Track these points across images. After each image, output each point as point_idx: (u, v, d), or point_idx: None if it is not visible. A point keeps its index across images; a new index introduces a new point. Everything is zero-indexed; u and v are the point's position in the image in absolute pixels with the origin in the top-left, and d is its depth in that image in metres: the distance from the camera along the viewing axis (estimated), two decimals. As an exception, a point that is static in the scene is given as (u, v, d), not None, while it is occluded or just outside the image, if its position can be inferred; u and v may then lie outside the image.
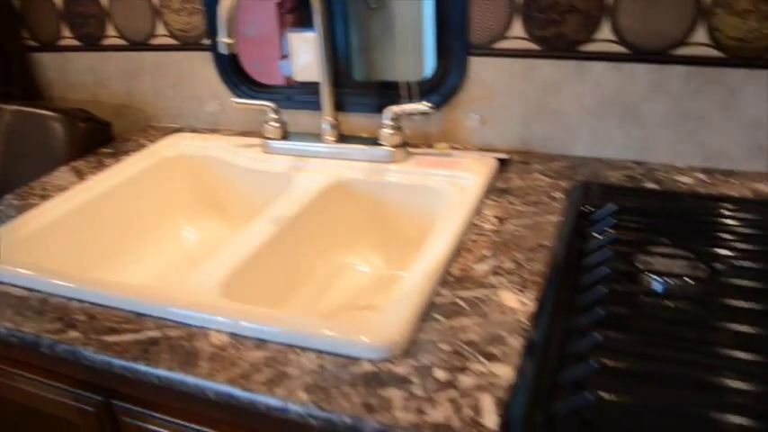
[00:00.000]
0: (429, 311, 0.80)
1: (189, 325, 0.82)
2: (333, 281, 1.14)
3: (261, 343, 0.77)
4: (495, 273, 0.87)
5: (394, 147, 1.18)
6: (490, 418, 0.64)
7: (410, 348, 0.74)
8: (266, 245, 0.97)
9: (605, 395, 0.61)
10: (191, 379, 0.74)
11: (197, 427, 0.82)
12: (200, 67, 1.44)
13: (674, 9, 1.06)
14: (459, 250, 0.93)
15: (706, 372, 0.65)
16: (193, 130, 1.47)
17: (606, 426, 0.62)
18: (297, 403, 0.69)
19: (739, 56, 1.05)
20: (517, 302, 0.81)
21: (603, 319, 0.72)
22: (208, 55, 1.43)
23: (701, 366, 0.66)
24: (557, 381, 0.67)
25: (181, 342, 0.79)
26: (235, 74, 1.40)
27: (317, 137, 1.25)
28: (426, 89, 1.25)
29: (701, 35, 1.06)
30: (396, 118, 1.16)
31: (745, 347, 0.67)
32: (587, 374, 0.65)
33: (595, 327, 0.71)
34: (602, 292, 0.76)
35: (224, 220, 1.34)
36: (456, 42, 1.19)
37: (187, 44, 1.43)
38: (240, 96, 1.37)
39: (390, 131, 1.17)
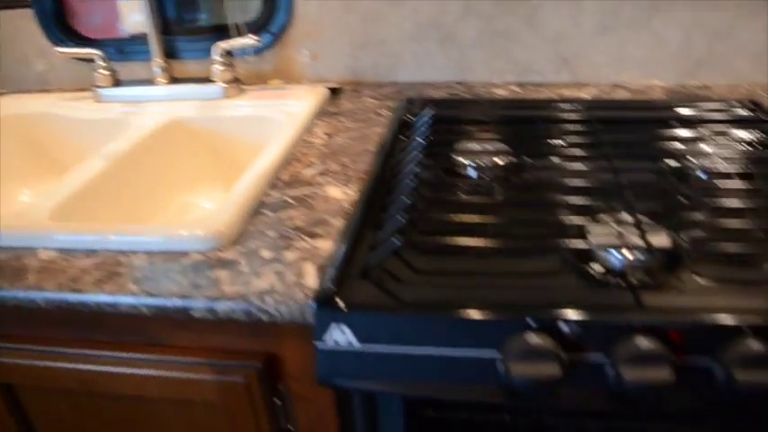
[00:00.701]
0: (258, 209, 0.84)
1: (16, 248, 0.80)
2: (176, 220, 1.14)
3: (91, 252, 0.78)
4: (322, 174, 0.92)
5: (226, 83, 1.20)
6: (311, 279, 0.69)
7: (238, 238, 0.78)
8: (98, 178, 0.96)
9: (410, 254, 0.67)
10: (21, 293, 0.73)
11: (42, 348, 0.81)
12: (23, 25, 1.38)
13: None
14: (290, 161, 0.97)
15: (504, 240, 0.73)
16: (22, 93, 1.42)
17: (407, 277, 0.68)
18: (127, 294, 0.70)
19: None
20: (341, 194, 0.86)
21: (414, 192, 0.78)
22: (29, 12, 1.37)
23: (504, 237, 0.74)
24: (371, 244, 0.73)
25: (9, 263, 0.77)
26: (59, 29, 1.36)
27: (149, 82, 1.24)
28: (256, 29, 1.27)
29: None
30: (225, 54, 1.18)
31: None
32: (397, 232, 0.71)
33: (408, 202, 0.77)
34: (415, 174, 0.82)
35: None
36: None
37: (7, 3, 1.37)
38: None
39: (221, 68, 1.19)
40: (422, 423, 0.79)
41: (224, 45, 1.18)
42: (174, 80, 1.25)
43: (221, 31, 1.29)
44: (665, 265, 0.67)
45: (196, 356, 0.75)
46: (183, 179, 1.17)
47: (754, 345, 0.58)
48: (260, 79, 1.31)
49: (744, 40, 1.17)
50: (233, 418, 0.78)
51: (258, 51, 1.27)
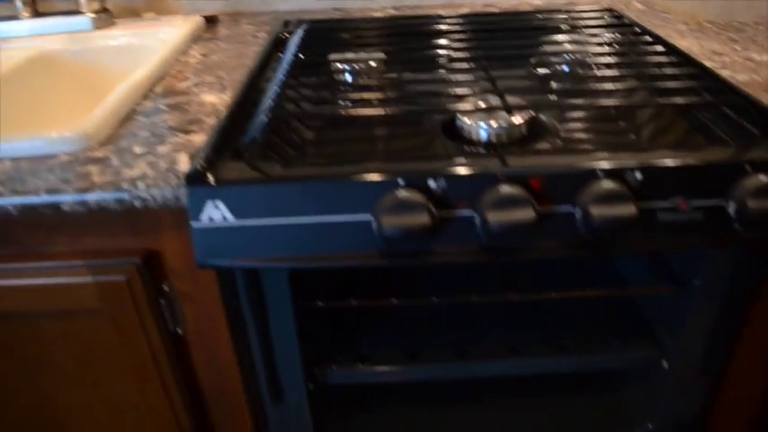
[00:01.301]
0: (130, 116, 0.82)
1: None
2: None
3: (-52, 164, 0.73)
4: (197, 85, 0.91)
5: (95, 13, 1.15)
6: (184, 166, 0.68)
7: (109, 139, 0.76)
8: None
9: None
10: None
11: None
12: None
13: None
14: (164, 77, 0.95)
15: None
16: None
17: (280, 155, 0.69)
18: (-9, 196, 0.67)
19: None
20: (216, 99, 0.85)
21: (288, 86, 0.79)
22: None
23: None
24: (243, 131, 0.73)
25: None
26: None
27: (11, 18, 1.18)
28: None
29: None
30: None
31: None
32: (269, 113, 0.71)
33: (280, 91, 0.77)
34: (289, 75, 0.82)
35: None
36: None
37: None
38: None
39: (87, -2, 1.14)
40: (312, 315, 0.81)
41: (89, -27, 1.13)
42: (39, 14, 1.18)
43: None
44: (527, 134, 0.71)
45: (73, 260, 0.72)
46: (57, 115, 1.12)
47: (606, 184, 0.62)
48: (132, 14, 1.27)
49: (602, -42, 1.23)
50: (118, 325, 0.76)
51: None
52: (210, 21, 1.21)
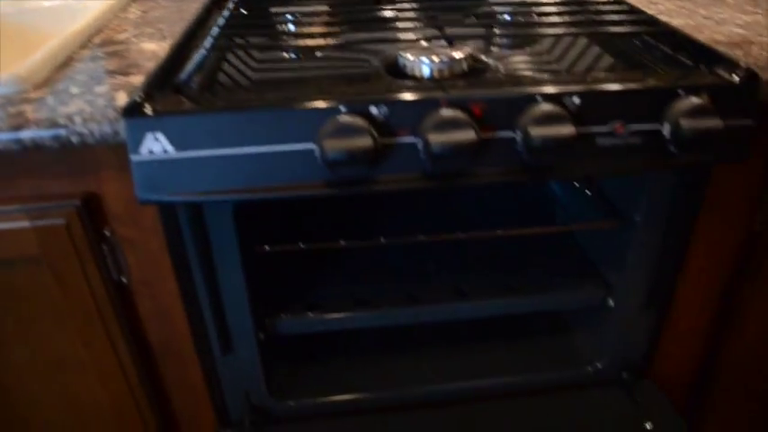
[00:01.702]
0: (68, 62, 0.80)
1: None
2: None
3: None
4: (136, 36, 0.89)
5: (28, -27, 1.11)
6: (122, 101, 0.67)
7: (45, 83, 0.74)
8: None
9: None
10: None
11: None
12: None
13: None
14: (102, 29, 0.93)
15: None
16: None
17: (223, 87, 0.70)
18: None
19: None
20: (157, 46, 0.84)
21: (229, 29, 0.78)
22: None
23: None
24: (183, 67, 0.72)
25: None
26: None
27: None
28: None
29: None
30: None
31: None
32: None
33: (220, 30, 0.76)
34: (230, 24, 0.81)
35: None
36: None
37: None
38: None
39: (21, -44, 1.10)
40: (261, 264, 0.80)
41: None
42: (-30, -24, 1.14)
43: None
44: (469, 71, 0.71)
45: (8, 204, 0.70)
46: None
47: (545, 106, 0.63)
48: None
49: None
50: (58, 274, 0.74)
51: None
52: (150, -17, 1.19)
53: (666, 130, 0.66)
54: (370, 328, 0.96)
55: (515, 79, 0.71)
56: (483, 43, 0.82)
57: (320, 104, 0.63)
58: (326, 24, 0.88)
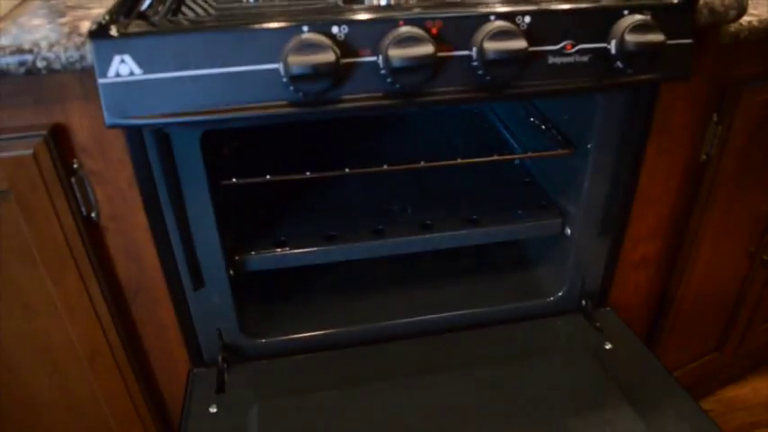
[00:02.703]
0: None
1: None
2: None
3: None
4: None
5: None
6: (87, 28, 0.68)
7: (5, 17, 0.74)
8: None
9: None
10: None
11: None
12: None
13: None
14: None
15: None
16: None
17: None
18: None
19: None
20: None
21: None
22: None
23: None
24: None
25: None
26: None
27: None
28: None
29: None
30: None
31: None
32: None
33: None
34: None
35: None
36: None
37: None
38: None
39: None
40: (230, 201, 0.81)
41: None
42: None
43: None
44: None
45: (-26, 137, 0.71)
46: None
47: (498, 23, 0.66)
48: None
49: None
50: (27, 209, 0.74)
51: None
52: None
53: (613, 46, 0.70)
54: (338, 265, 0.98)
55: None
56: None
57: (284, 24, 0.65)
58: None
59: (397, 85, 0.67)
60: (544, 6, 0.69)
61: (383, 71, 0.66)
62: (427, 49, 0.64)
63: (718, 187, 0.99)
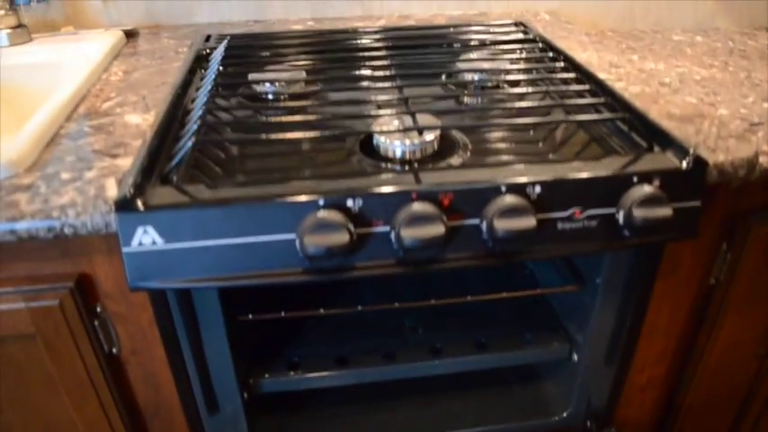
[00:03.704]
0: (55, 139, 0.83)
1: None
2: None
3: None
4: (120, 105, 0.92)
5: (10, 29, 1.14)
6: (111, 191, 0.71)
7: (35, 165, 0.77)
8: None
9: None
10: None
11: None
12: None
13: None
14: (86, 96, 0.96)
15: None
16: None
17: (207, 176, 0.74)
18: None
19: None
20: (141, 120, 0.87)
21: (211, 107, 0.82)
22: None
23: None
24: (169, 155, 0.76)
25: None
26: None
27: None
28: (39, -26, 1.22)
29: None
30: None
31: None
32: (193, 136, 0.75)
33: (203, 114, 0.80)
34: (212, 94, 0.85)
35: None
36: None
37: None
38: None
39: (2, 13, 1.13)
40: (242, 328, 0.84)
41: (2, -12, 1.12)
42: (-51, 31, 1.17)
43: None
44: (438, 149, 0.77)
45: (4, 286, 0.74)
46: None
47: (508, 199, 0.68)
48: (50, 28, 1.26)
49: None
50: (52, 349, 0.78)
51: (44, -4, 1.22)
52: (130, 35, 1.22)
53: (620, 215, 0.72)
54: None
55: (481, 159, 0.76)
56: (450, 112, 0.87)
57: (301, 199, 0.67)
58: (303, 93, 0.92)
59: (408, 257, 0.69)
60: (554, 177, 0.70)
61: (395, 245, 0.68)
62: (438, 229, 0.67)
63: (727, 308, 1.00)
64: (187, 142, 0.72)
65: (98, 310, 0.78)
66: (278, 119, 0.85)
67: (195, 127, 0.75)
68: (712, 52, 1.26)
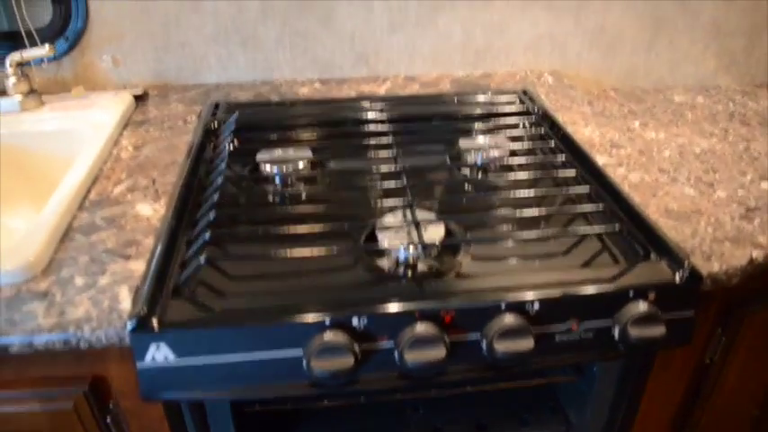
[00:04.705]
0: (68, 233, 0.85)
1: None
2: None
3: None
4: (131, 191, 0.95)
5: (22, 95, 1.16)
6: (126, 303, 0.73)
7: (50, 266, 0.80)
8: None
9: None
10: None
11: None
12: None
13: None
14: (98, 177, 0.98)
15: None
16: None
17: (218, 287, 0.76)
18: (-67, 339, 0.70)
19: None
20: (151, 211, 0.90)
21: (220, 204, 0.85)
22: None
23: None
24: (182, 260, 0.78)
25: None
26: None
27: (-65, 99, 1.18)
28: (51, 35, 1.24)
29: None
30: (19, 65, 1.15)
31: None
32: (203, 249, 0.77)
33: (212, 216, 0.83)
34: (219, 185, 0.88)
35: None
36: (71, -15, 1.20)
37: None
38: None
39: (15, 80, 1.15)
40: (250, 419, 0.87)
41: (17, 56, 1.14)
42: (-38, 96, 1.19)
43: (12, 39, 1.24)
44: (443, 254, 0.80)
45: (20, 389, 0.77)
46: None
47: (508, 319, 0.71)
48: (60, 87, 1.28)
49: (515, 34, 1.32)
50: (65, 444, 0.81)
51: (55, 58, 1.24)
52: (140, 96, 1.24)
53: (616, 331, 0.74)
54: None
55: (481, 264, 0.80)
56: (454, 210, 0.90)
57: (308, 319, 0.70)
58: (310, 178, 0.95)
59: (411, 374, 0.72)
60: (552, 294, 0.73)
61: (398, 363, 0.71)
62: (440, 352, 0.69)
63: (722, 384, 1.03)
64: (198, 257, 0.74)
65: (111, 406, 0.80)
66: (286, 210, 0.88)
67: (207, 236, 0.78)
68: (713, 117, 1.28)
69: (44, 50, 1.14)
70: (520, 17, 1.31)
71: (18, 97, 1.16)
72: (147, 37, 1.26)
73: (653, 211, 0.91)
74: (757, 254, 0.86)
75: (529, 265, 0.80)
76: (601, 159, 1.03)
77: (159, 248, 0.78)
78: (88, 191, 0.94)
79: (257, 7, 1.24)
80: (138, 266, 0.79)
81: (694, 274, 0.76)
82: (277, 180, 0.95)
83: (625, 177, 0.99)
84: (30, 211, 1.17)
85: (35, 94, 1.19)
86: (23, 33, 1.21)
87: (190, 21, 1.24)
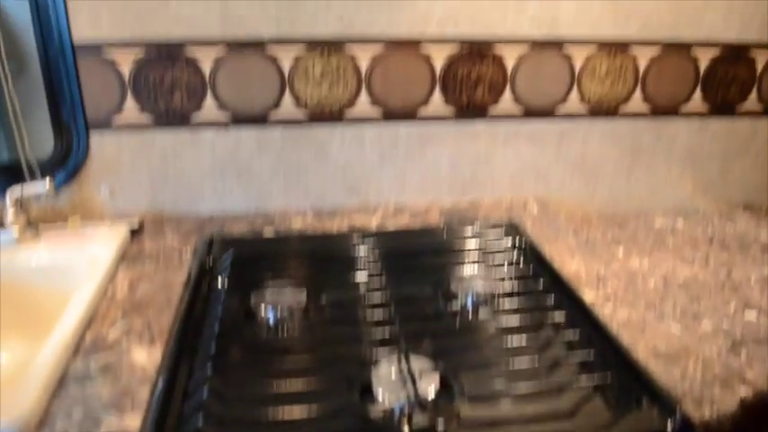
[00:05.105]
0: (63, 382, 0.85)
1: None
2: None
3: None
4: (126, 334, 0.95)
5: (19, 228, 1.18)
6: (120, 462, 0.73)
7: (45, 420, 0.79)
8: None
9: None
10: None
11: None
12: None
13: (262, 83, 1.26)
14: (93, 318, 0.99)
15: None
16: None
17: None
18: None
19: (319, 116, 1.29)
20: (146, 359, 0.90)
21: (216, 358, 0.86)
22: None
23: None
24: (180, 411, 0.78)
25: None
26: None
27: (-70, 232, 1.20)
28: (50, 167, 1.28)
29: (287, 101, 1.27)
30: (18, 199, 1.17)
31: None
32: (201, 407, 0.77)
33: (209, 372, 0.84)
34: (215, 333, 0.89)
35: None
36: (73, 120, 1.24)
37: None
38: None
39: (13, 212, 1.18)
40: None
41: (17, 192, 1.17)
42: (-42, 229, 1.21)
43: (11, 171, 1.27)
44: (437, 406, 0.80)
45: None
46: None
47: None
48: (56, 216, 1.31)
49: (500, 165, 1.38)
50: None
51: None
52: (134, 232, 1.27)
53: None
54: None
55: (477, 413, 0.80)
56: (445, 341, 0.93)
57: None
58: (303, 321, 0.96)
59: None
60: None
61: None
62: None
63: None
64: (198, 415, 0.75)
65: None
66: (280, 362, 0.88)
67: (204, 395, 0.78)
68: (693, 242, 1.32)
69: (44, 187, 1.17)
70: (503, 149, 1.38)
71: (15, 229, 1.18)
72: (144, 169, 1.30)
73: (642, 350, 0.93)
74: (746, 391, 0.87)
75: (524, 412, 0.81)
76: (589, 294, 1.06)
77: (154, 405, 0.78)
78: (83, 335, 0.94)
79: (253, 141, 1.29)
80: (134, 422, 0.78)
81: (686, 423, 0.77)
82: (271, 322, 0.97)
83: (613, 315, 1.01)
84: (21, 346, 1.16)
85: (32, 226, 1.20)
86: (24, 165, 1.24)
87: (187, 155, 1.28)
